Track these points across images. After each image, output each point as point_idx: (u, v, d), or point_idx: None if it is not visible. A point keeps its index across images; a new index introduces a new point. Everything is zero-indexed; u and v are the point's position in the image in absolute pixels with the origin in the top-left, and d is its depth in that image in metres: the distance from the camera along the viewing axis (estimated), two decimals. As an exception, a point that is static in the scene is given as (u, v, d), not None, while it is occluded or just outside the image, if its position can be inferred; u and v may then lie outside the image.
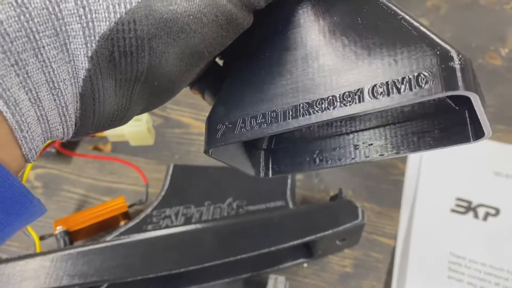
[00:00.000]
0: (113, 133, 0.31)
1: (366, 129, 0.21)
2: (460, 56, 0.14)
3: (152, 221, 0.32)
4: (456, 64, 0.14)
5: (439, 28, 0.45)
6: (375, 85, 0.15)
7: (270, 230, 0.30)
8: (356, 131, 0.21)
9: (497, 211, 0.35)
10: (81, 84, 0.16)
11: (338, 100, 0.16)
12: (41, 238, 0.34)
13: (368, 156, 0.20)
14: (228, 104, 0.19)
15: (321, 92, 0.16)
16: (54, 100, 0.16)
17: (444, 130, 0.19)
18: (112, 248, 0.30)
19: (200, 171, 0.35)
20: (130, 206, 0.35)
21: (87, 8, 0.15)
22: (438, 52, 0.14)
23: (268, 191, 0.33)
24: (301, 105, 0.17)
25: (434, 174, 0.37)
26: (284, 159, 0.22)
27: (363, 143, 0.20)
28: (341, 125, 0.21)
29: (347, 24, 0.17)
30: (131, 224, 0.32)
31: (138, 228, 0.32)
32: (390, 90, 0.15)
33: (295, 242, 0.30)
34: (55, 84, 0.15)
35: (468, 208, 0.35)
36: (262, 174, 0.23)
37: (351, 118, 0.21)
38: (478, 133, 0.17)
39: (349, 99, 0.15)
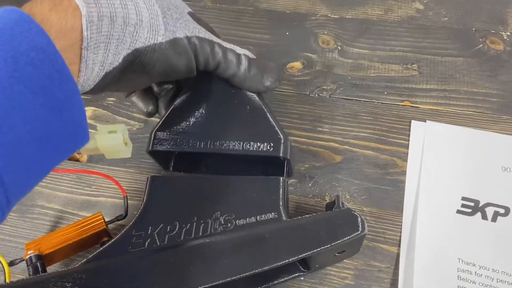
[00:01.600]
0: (86, 147, 0.28)
1: None
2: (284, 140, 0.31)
3: (133, 241, 0.29)
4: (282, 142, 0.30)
5: (434, 11, 0.42)
6: None
7: (262, 246, 0.27)
8: None
9: (507, 210, 0.33)
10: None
11: None
12: (11, 264, 0.31)
13: None
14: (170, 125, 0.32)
15: None
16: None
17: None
18: (88, 277, 0.27)
19: (182, 182, 0.31)
20: (108, 223, 0.32)
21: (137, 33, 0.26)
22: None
23: (259, 202, 0.30)
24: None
25: (437, 172, 0.34)
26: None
27: None
28: None
29: None
30: (109, 244, 0.29)
31: (117, 250, 0.29)
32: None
33: (290, 260, 0.27)
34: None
35: (476, 208, 0.33)
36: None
37: None
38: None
39: None
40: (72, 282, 0.27)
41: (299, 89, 0.39)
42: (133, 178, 0.37)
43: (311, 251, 0.27)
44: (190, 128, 0.31)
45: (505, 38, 0.40)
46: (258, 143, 0.30)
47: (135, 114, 0.40)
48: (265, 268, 0.27)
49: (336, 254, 0.29)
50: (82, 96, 0.23)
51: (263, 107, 0.32)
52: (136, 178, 0.37)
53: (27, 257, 0.30)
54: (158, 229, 0.29)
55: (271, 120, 0.31)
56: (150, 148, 0.31)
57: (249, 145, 0.30)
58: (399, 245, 0.32)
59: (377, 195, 0.34)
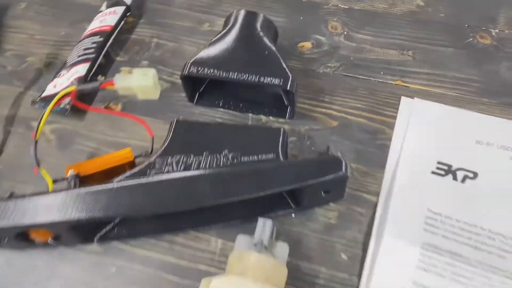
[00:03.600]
0: (122, 86, 0.34)
1: None
2: (292, 78, 0.38)
3: (155, 167, 0.35)
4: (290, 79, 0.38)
5: (433, 8, 0.48)
6: None
7: (261, 177, 0.33)
8: None
9: (475, 175, 0.38)
10: None
11: None
12: (54, 181, 0.37)
13: None
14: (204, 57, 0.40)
15: None
16: None
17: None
18: (117, 189, 0.33)
19: (200, 127, 0.38)
20: (136, 157, 0.39)
21: None
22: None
23: (262, 145, 0.35)
24: None
25: (419, 140, 0.40)
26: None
27: None
28: None
29: None
30: (136, 169, 0.35)
31: (142, 173, 0.35)
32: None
33: (282, 189, 0.33)
34: None
35: (448, 171, 0.38)
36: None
37: None
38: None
39: None
40: (104, 194, 0.33)
41: (307, 65, 0.45)
42: (158, 127, 0.43)
43: (300, 184, 0.33)
44: (219, 61, 0.39)
45: (493, 34, 0.46)
46: (271, 78, 0.38)
47: (164, 76, 0.46)
48: (261, 193, 0.32)
49: (322, 193, 0.35)
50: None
51: (277, 54, 0.40)
52: (162, 127, 0.43)
53: (67, 174, 0.37)
54: (176, 159, 0.35)
55: (283, 64, 0.39)
56: (185, 73, 0.39)
57: (264, 79, 0.38)
58: (378, 195, 0.37)
59: (364, 155, 0.40)
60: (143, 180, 0.34)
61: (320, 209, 0.37)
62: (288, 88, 0.38)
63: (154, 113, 0.43)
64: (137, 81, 0.34)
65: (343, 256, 0.35)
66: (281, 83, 0.38)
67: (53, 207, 0.33)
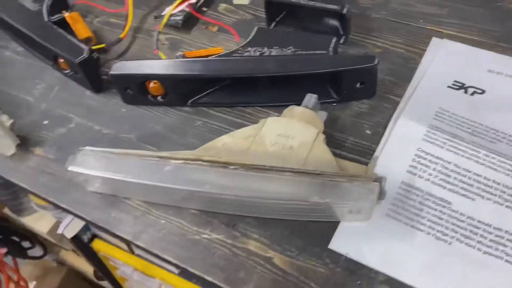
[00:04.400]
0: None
1: None
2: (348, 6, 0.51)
3: (237, 52, 0.49)
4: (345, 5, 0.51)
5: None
6: None
7: (313, 61, 0.46)
8: None
9: (483, 91, 0.48)
10: None
11: None
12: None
13: None
14: None
15: None
16: None
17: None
18: (213, 60, 0.48)
19: (273, 31, 0.52)
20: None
21: None
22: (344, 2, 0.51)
23: (317, 45, 0.48)
24: None
25: (442, 65, 0.51)
26: None
27: None
28: None
29: None
30: (225, 52, 0.50)
31: (229, 55, 0.49)
32: None
33: (328, 70, 0.45)
34: None
35: (461, 87, 0.49)
36: None
37: None
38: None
39: None
40: (204, 62, 0.48)
41: (363, 11, 0.58)
42: (241, 35, 0.56)
43: (341, 68, 0.45)
44: None
45: (520, 0, 0.56)
46: (332, 5, 0.51)
47: None
48: (312, 71, 0.45)
49: (358, 85, 0.47)
50: None
51: None
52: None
53: (177, 54, 0.52)
54: (254, 49, 0.49)
55: None
56: None
57: (326, 5, 0.51)
58: (401, 97, 0.49)
59: (396, 72, 0.51)
60: (230, 57, 0.48)
61: (355, 102, 0.49)
62: (344, 12, 0.50)
63: (239, 26, 0.57)
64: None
65: (368, 132, 0.46)
66: (339, 7, 0.50)
67: (169, 67, 0.48)
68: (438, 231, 0.39)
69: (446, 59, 0.51)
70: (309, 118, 0.43)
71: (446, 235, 0.38)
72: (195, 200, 0.41)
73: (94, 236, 0.85)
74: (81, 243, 0.85)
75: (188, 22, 0.60)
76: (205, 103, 0.50)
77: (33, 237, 1.12)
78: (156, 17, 0.60)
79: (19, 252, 1.11)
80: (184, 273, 0.80)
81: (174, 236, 0.41)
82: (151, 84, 0.49)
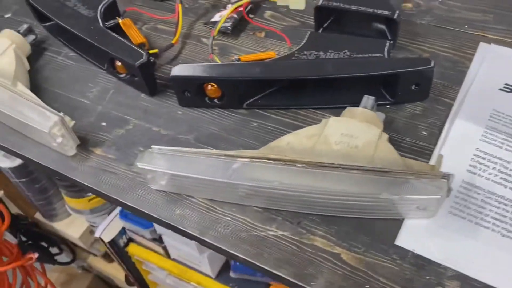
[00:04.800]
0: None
1: None
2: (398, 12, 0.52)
3: (294, 55, 0.50)
4: (396, 12, 0.52)
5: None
6: None
7: (368, 64, 0.47)
8: None
9: (533, 94, 0.49)
10: None
11: None
12: (222, 63, 0.54)
13: None
14: None
15: None
16: None
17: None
18: (268, 63, 0.49)
19: (325, 37, 0.53)
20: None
21: None
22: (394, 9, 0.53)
23: (372, 48, 0.50)
24: None
25: (492, 68, 0.52)
26: None
27: None
28: None
29: None
30: (281, 56, 0.51)
31: (283, 59, 0.50)
32: None
33: (384, 72, 0.46)
34: None
35: (511, 90, 0.50)
36: None
37: None
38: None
39: None
40: (261, 65, 0.49)
41: (408, 17, 0.59)
42: (294, 42, 0.58)
43: (397, 70, 0.46)
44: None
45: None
46: (381, 10, 0.52)
47: None
48: (367, 74, 0.47)
49: (413, 87, 0.48)
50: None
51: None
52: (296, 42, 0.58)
53: (233, 58, 0.53)
54: (309, 52, 0.50)
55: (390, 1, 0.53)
56: (320, 4, 0.53)
57: (377, 11, 0.52)
58: (454, 100, 0.50)
59: (447, 76, 0.52)
60: (287, 60, 0.50)
61: (409, 104, 0.50)
62: (395, 17, 0.52)
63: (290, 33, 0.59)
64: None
65: (424, 133, 0.47)
66: (389, 13, 0.52)
67: (228, 70, 0.49)
68: (503, 228, 0.39)
69: (495, 63, 0.52)
70: (370, 118, 0.44)
71: (511, 232, 0.39)
72: (259, 197, 0.42)
73: (130, 241, 0.86)
74: (116, 247, 0.85)
75: (236, 28, 0.61)
76: (261, 105, 0.52)
77: (62, 243, 1.14)
78: (205, 24, 0.62)
79: (48, 257, 1.12)
80: (221, 277, 0.81)
81: (241, 232, 0.42)
82: (209, 87, 0.50)
